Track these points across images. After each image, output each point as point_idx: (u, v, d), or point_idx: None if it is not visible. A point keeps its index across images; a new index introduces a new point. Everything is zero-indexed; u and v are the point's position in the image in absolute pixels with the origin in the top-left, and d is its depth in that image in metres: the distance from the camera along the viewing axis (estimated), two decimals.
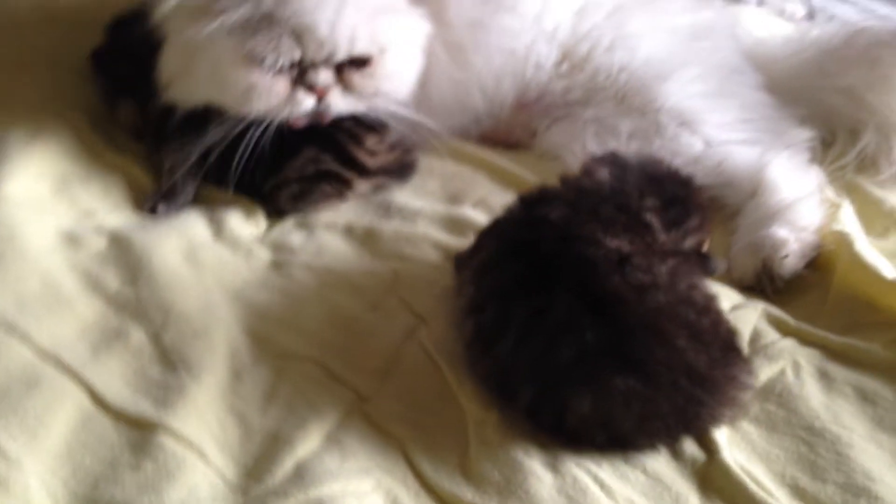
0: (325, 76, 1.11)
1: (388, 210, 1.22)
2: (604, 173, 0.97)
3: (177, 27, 1.12)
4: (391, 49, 1.16)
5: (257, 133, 1.10)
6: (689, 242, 0.94)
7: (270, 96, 1.10)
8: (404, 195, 1.26)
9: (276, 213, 1.17)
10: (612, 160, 0.99)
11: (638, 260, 0.88)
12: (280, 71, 1.09)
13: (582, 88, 1.30)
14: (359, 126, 1.19)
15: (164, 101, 1.16)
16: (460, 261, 1.09)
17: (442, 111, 1.33)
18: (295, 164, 1.16)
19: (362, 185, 1.21)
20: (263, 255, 1.11)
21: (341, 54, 1.11)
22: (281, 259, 1.10)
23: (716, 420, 0.86)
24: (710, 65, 1.29)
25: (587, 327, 0.84)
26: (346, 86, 1.14)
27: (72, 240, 1.03)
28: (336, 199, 1.19)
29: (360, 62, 1.13)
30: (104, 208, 1.12)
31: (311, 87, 1.11)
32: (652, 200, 0.94)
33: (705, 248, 0.99)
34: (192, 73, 1.13)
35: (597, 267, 0.87)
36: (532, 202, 0.97)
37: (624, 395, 0.83)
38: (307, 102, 1.12)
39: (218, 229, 1.13)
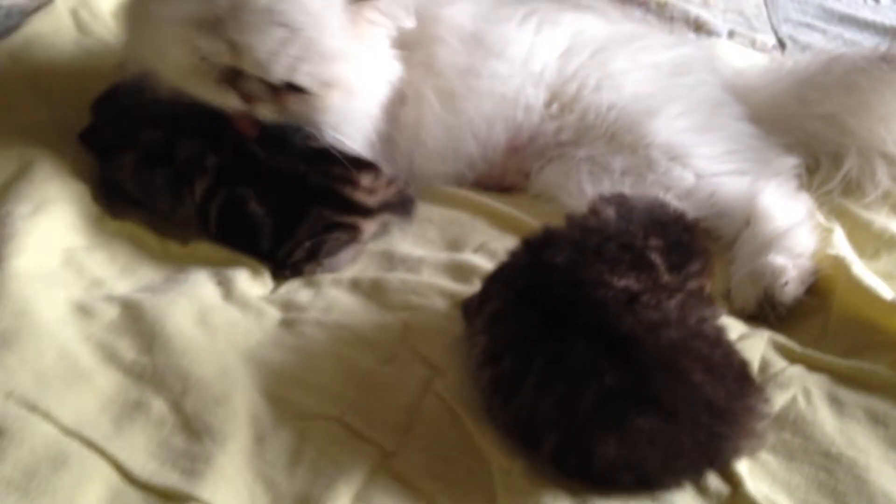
0: (257, 88, 1.13)
1: (391, 261, 1.24)
2: (610, 212, 0.99)
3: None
4: (338, 88, 1.16)
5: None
6: (690, 286, 0.96)
7: (201, 84, 1.13)
8: (406, 245, 1.28)
9: (295, 275, 1.19)
10: (619, 201, 1.02)
11: (647, 298, 0.90)
12: (214, 67, 1.12)
13: (573, 128, 1.33)
14: (350, 168, 1.21)
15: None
16: (469, 308, 1.11)
17: (436, 157, 1.35)
18: (304, 227, 1.18)
19: (370, 226, 1.23)
20: (273, 314, 1.11)
21: (276, 81, 1.12)
22: (291, 317, 1.11)
23: (737, 452, 0.88)
24: (694, 99, 1.33)
25: (606, 370, 0.85)
26: (277, 103, 1.15)
27: (83, 311, 1.03)
28: (350, 246, 1.20)
29: (298, 89, 1.14)
30: (112, 276, 1.12)
31: (242, 92, 1.14)
32: (656, 241, 0.97)
33: (707, 291, 1.01)
34: (140, 38, 1.18)
35: (607, 309, 0.89)
36: (537, 246, 0.99)
37: (648, 435, 0.84)
38: (233, 101, 1.14)
39: (226, 291, 1.13)
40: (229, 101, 1.14)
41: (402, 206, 1.27)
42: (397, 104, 1.30)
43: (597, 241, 0.96)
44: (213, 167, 1.19)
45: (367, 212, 1.22)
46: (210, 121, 1.18)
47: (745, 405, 0.88)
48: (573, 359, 0.87)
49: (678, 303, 0.91)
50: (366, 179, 1.22)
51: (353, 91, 1.19)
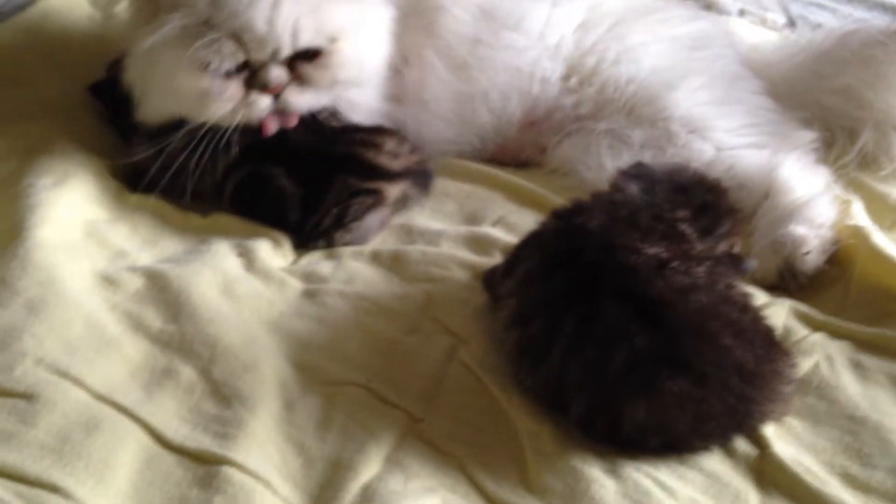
0: (276, 73, 1.11)
1: (410, 234, 1.24)
2: (633, 188, 0.99)
3: (133, 43, 1.13)
4: (344, 37, 1.14)
5: (223, 137, 1.11)
6: (721, 247, 0.97)
7: (224, 100, 1.10)
8: (424, 218, 1.28)
9: (329, 245, 1.19)
10: (640, 173, 1.02)
11: (676, 264, 0.91)
12: (229, 74, 1.10)
13: (591, 102, 1.33)
14: (373, 133, 1.22)
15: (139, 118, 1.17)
16: (490, 279, 1.11)
17: (444, 123, 1.35)
18: (330, 196, 1.19)
19: (393, 190, 1.23)
20: (296, 285, 1.12)
21: (286, 50, 1.10)
22: (313, 288, 1.11)
23: (765, 416, 0.89)
24: (713, 73, 1.33)
25: (636, 333, 0.86)
26: (301, 80, 1.13)
27: (108, 281, 1.04)
28: (376, 210, 1.21)
29: (311, 54, 1.12)
30: (134, 248, 1.13)
31: (264, 87, 1.11)
32: (683, 212, 0.97)
33: (736, 249, 1.01)
34: (150, 87, 1.15)
35: (638, 273, 0.89)
36: (569, 214, 0.99)
37: (678, 399, 0.84)
38: (263, 103, 1.12)
39: (249, 262, 1.13)
40: (261, 104, 1.12)
41: (421, 177, 1.27)
42: (400, 64, 1.30)
43: (629, 212, 0.97)
44: (237, 144, 1.18)
45: (390, 176, 1.22)
46: None
47: (773, 369, 0.89)
48: (603, 322, 0.87)
49: (707, 269, 0.91)
50: (389, 143, 1.23)
51: (359, 37, 1.16)
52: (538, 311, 0.92)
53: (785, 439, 0.90)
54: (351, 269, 1.16)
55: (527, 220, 1.27)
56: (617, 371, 0.86)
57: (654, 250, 0.92)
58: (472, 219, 1.29)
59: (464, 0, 1.33)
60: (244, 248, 1.16)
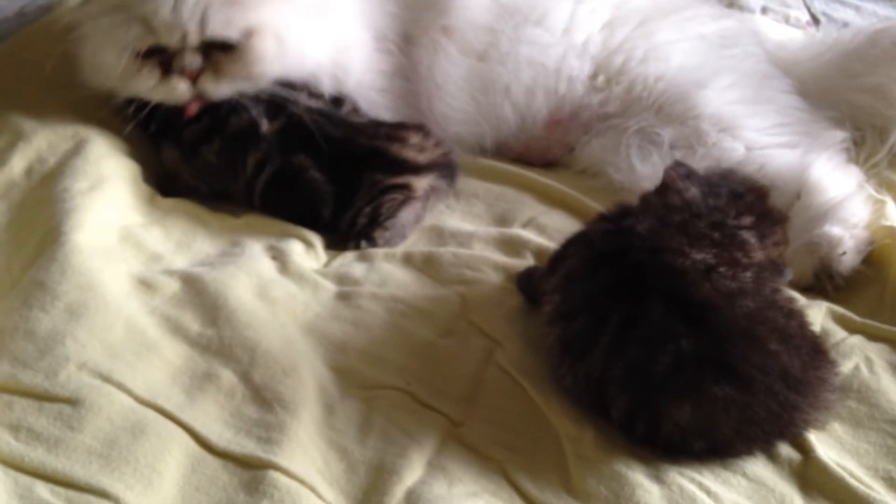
0: (190, 60, 1.15)
1: (441, 236, 1.24)
2: (694, 192, 0.98)
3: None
4: (261, 33, 1.16)
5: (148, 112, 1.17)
6: (773, 253, 0.97)
7: (142, 79, 1.15)
8: (454, 220, 1.28)
9: (371, 245, 1.20)
10: (694, 175, 1.01)
11: (724, 269, 0.90)
12: (145, 56, 1.14)
13: (619, 100, 1.33)
14: (397, 128, 1.24)
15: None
16: (526, 278, 1.11)
17: (458, 107, 1.35)
18: (361, 194, 1.20)
19: (422, 183, 1.23)
20: (329, 287, 1.12)
21: (193, 38, 1.14)
22: (346, 291, 1.11)
23: (809, 424, 0.88)
24: (742, 71, 1.33)
25: (682, 335, 0.85)
26: (216, 70, 1.16)
27: (145, 285, 1.04)
28: (408, 205, 1.21)
29: (226, 46, 1.15)
30: (168, 251, 1.13)
31: (181, 72, 1.15)
32: (747, 218, 0.96)
33: (783, 257, 1.01)
34: (85, 62, 1.21)
35: (686, 275, 0.89)
36: (617, 216, 0.99)
37: (723, 403, 0.84)
38: (181, 87, 1.16)
39: (282, 265, 1.13)
40: (179, 88, 1.16)
41: (447, 168, 1.28)
42: (400, 43, 1.31)
43: (683, 218, 0.96)
44: (269, 135, 1.20)
45: (417, 169, 1.23)
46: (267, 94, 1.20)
47: (818, 376, 0.88)
48: (649, 322, 0.87)
49: (753, 275, 0.91)
50: (414, 137, 1.24)
51: (284, 35, 1.18)
52: (582, 308, 0.91)
53: (827, 444, 0.90)
54: (384, 271, 1.16)
55: (557, 222, 1.27)
56: (661, 372, 0.85)
57: (700, 256, 0.91)
58: (502, 220, 1.28)
59: None
60: (277, 251, 1.16)
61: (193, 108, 1.19)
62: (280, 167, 1.20)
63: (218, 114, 1.22)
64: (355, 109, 1.29)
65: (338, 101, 1.28)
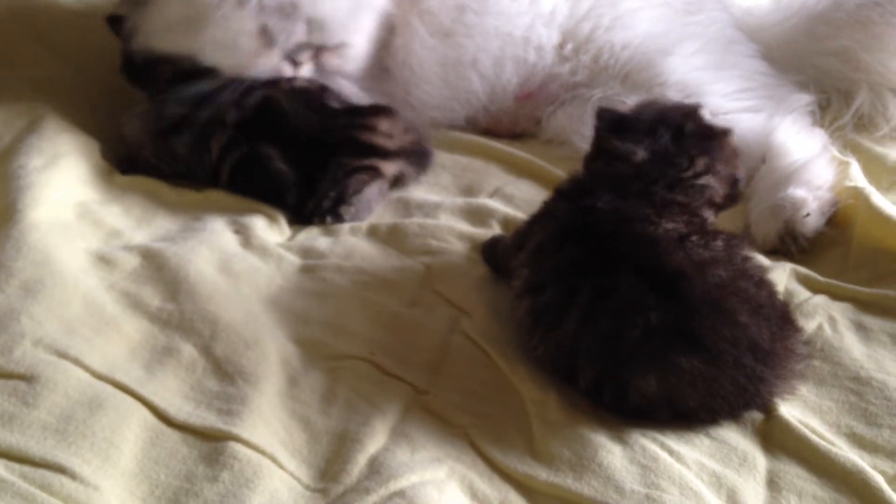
0: (307, 54, 1.27)
1: (407, 207, 1.23)
2: (641, 154, 0.96)
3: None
4: (359, 35, 1.29)
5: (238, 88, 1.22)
6: (733, 169, 0.98)
7: (265, 66, 1.24)
8: (420, 191, 1.27)
9: (336, 221, 1.20)
10: (628, 127, 0.98)
11: (695, 237, 0.89)
12: (280, 48, 1.24)
13: (587, 69, 1.32)
14: (367, 115, 1.23)
15: (140, 44, 1.24)
16: (490, 248, 1.10)
17: (431, 90, 1.35)
18: (327, 178, 1.19)
19: (389, 167, 1.23)
20: (293, 260, 1.11)
21: (332, 42, 1.26)
22: (311, 264, 1.10)
23: (775, 395, 0.88)
24: (708, 37, 1.33)
25: (652, 308, 0.85)
26: (317, 62, 1.28)
27: (104, 261, 1.02)
28: (374, 183, 1.20)
29: (335, 47, 1.28)
30: (128, 227, 1.12)
31: (293, 62, 1.26)
32: (702, 160, 0.96)
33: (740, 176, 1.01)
34: (200, 32, 1.22)
35: (658, 244, 0.88)
36: (575, 194, 0.97)
37: (689, 376, 0.84)
38: (287, 71, 1.27)
39: (245, 239, 1.12)
40: (284, 72, 1.25)
41: (418, 156, 1.26)
42: (386, 33, 1.33)
43: (640, 187, 0.95)
44: (232, 123, 1.20)
45: (385, 154, 1.22)
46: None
47: (786, 346, 0.88)
48: (619, 294, 0.86)
49: (725, 241, 0.90)
50: (384, 124, 1.23)
51: (367, 34, 1.29)
52: (551, 280, 0.91)
53: (790, 402, 0.90)
54: (348, 243, 1.15)
55: (524, 191, 1.27)
56: (630, 344, 0.85)
57: (672, 224, 0.90)
58: (469, 190, 1.28)
59: None
60: (240, 225, 1.15)
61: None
62: (246, 154, 1.20)
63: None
64: (335, 95, 1.28)
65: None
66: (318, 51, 1.27)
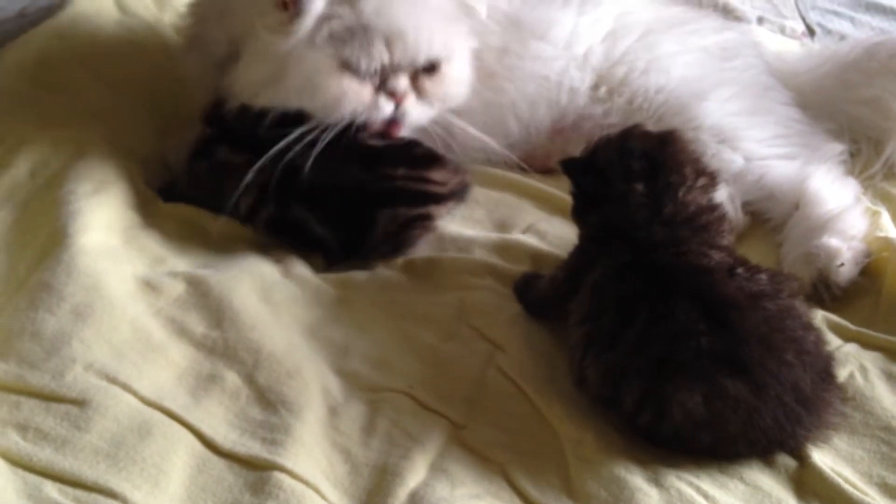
0: (403, 82, 1.20)
1: (441, 242, 1.24)
2: (639, 188, 0.97)
3: (258, 40, 1.17)
4: (454, 55, 1.24)
5: (333, 133, 1.16)
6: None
7: (357, 102, 1.17)
8: (455, 225, 1.28)
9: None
10: (624, 170, 0.98)
11: (741, 270, 0.92)
12: (367, 78, 1.17)
13: (621, 111, 1.34)
14: (419, 166, 1.20)
15: (242, 105, 1.20)
16: (523, 285, 1.12)
17: (479, 142, 1.36)
18: (377, 233, 1.16)
19: (441, 211, 1.23)
20: (330, 291, 1.13)
21: (422, 58, 1.19)
22: (347, 295, 1.12)
23: (808, 441, 0.89)
24: (743, 83, 1.34)
25: (703, 333, 0.87)
26: (419, 92, 1.22)
27: (150, 286, 1.05)
28: (429, 233, 1.21)
29: (430, 68, 1.21)
30: (171, 254, 1.14)
31: (391, 94, 1.19)
32: (702, 179, 0.98)
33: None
34: (282, 82, 1.17)
35: (713, 274, 0.91)
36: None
37: (734, 401, 0.85)
38: (387, 108, 1.20)
39: (285, 269, 1.14)
40: (385, 109, 1.19)
41: (463, 192, 1.27)
42: None
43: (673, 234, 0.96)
44: (256, 185, 1.16)
45: (438, 199, 1.22)
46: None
47: (825, 398, 0.89)
48: (674, 319, 0.88)
49: (769, 276, 0.92)
50: (437, 175, 1.21)
51: (461, 59, 1.25)
52: (611, 307, 0.93)
53: (823, 450, 0.91)
54: (384, 276, 1.17)
55: (556, 228, 1.28)
56: (679, 362, 0.87)
57: (720, 255, 0.93)
58: (502, 226, 1.29)
59: (493, 10, 1.35)
60: (278, 255, 1.17)
61: (396, 131, 1.22)
62: (277, 215, 1.17)
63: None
64: (368, 134, 1.21)
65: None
66: (414, 77, 1.21)
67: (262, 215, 1.18)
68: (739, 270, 0.92)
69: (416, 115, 1.22)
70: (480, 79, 1.34)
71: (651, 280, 0.92)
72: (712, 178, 1.00)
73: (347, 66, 1.15)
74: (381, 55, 1.16)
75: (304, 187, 1.15)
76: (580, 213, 1.05)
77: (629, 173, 0.98)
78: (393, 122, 1.20)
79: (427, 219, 1.21)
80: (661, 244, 0.94)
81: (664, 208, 0.96)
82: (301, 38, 1.14)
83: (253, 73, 1.18)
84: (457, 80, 1.25)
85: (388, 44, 1.16)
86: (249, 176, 1.14)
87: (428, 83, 1.21)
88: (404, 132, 1.23)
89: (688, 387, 0.86)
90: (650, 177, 0.97)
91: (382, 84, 1.19)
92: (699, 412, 0.86)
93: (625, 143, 1.01)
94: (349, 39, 1.15)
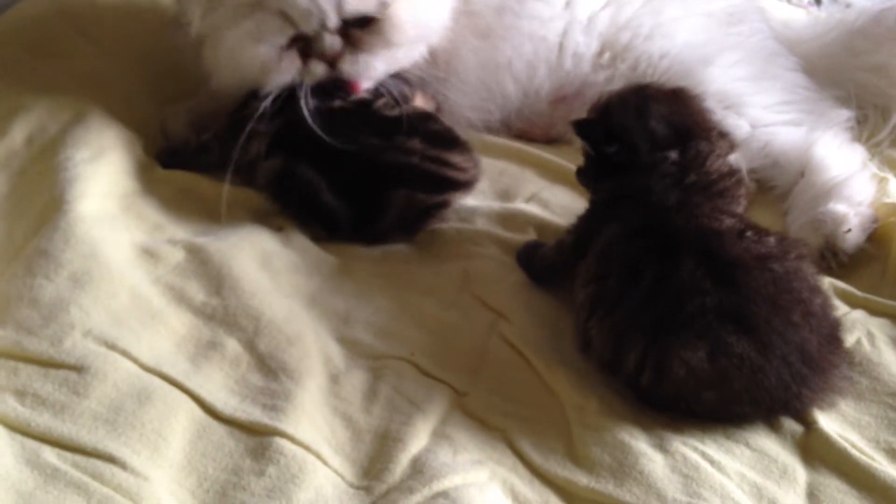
0: (331, 42, 1.13)
1: None
2: (672, 154, 0.97)
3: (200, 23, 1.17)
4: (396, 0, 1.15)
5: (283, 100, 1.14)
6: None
7: (284, 70, 1.14)
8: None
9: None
10: (646, 133, 0.97)
11: (750, 233, 0.91)
12: (285, 47, 1.13)
13: (624, 78, 1.32)
14: (437, 144, 1.16)
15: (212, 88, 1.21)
16: (526, 253, 1.11)
17: (470, 92, 1.33)
18: (390, 213, 1.13)
19: (459, 198, 1.19)
20: (331, 260, 1.12)
21: (332, 20, 1.12)
22: (348, 265, 1.11)
23: (814, 403, 0.88)
24: (749, 49, 1.32)
25: (709, 291, 0.86)
26: (355, 47, 1.15)
27: (149, 254, 1.03)
28: (442, 220, 1.18)
29: (364, 21, 1.14)
30: (170, 221, 1.12)
31: (321, 56, 1.14)
32: (722, 144, 0.98)
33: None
34: (220, 62, 1.18)
35: (722, 236, 0.89)
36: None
37: (738, 359, 0.84)
38: (318, 69, 1.15)
39: (286, 237, 1.13)
40: (316, 71, 1.15)
41: (476, 183, 1.21)
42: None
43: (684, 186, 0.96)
44: (266, 132, 1.16)
45: (458, 186, 1.17)
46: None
47: (832, 360, 0.88)
48: (679, 277, 0.87)
49: (778, 239, 0.91)
50: (457, 158, 1.17)
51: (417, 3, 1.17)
52: (618, 268, 0.92)
53: (830, 416, 0.90)
54: (385, 246, 1.15)
55: (560, 197, 1.27)
56: (683, 318, 0.86)
57: (731, 220, 0.92)
58: (505, 195, 1.28)
59: None
60: (279, 223, 1.16)
61: (354, 87, 1.18)
62: (285, 171, 1.14)
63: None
64: (390, 103, 1.19)
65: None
66: (347, 33, 1.14)
67: (270, 166, 1.15)
68: (748, 234, 0.91)
69: (360, 69, 1.16)
70: (476, 36, 1.32)
71: (659, 241, 0.91)
72: (731, 140, 0.98)
73: (259, 40, 1.12)
74: (283, 29, 1.12)
75: (315, 146, 1.12)
76: (593, 178, 1.03)
77: (657, 141, 0.96)
78: (341, 80, 1.16)
79: (444, 207, 1.17)
80: (674, 208, 0.93)
81: (688, 177, 0.95)
82: (218, 19, 1.14)
83: (207, 55, 1.18)
84: (409, 23, 1.16)
85: (286, 17, 1.11)
86: (251, 124, 1.14)
87: (364, 36, 1.15)
88: (366, 84, 1.19)
89: (692, 343, 0.85)
90: (680, 145, 0.96)
91: (309, 47, 1.14)
92: (703, 368, 0.84)
93: (643, 106, 0.98)
94: (250, 15, 1.11)
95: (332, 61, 1.15)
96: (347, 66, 1.15)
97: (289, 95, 1.16)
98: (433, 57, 1.29)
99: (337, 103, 1.17)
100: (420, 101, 1.22)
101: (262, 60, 1.13)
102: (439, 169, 1.15)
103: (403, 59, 1.21)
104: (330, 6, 1.11)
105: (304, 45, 1.14)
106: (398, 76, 1.22)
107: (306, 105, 1.14)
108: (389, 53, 1.17)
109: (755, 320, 0.85)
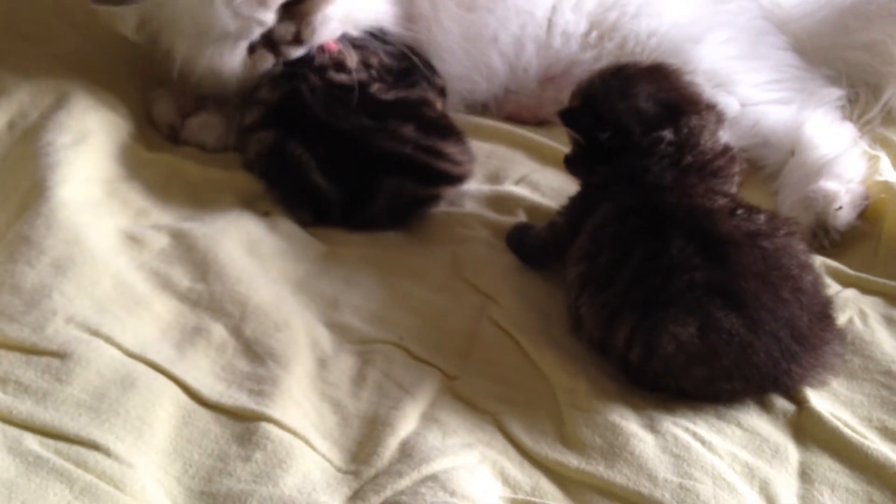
0: (283, 31, 1.15)
1: None
2: (667, 134, 0.96)
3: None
4: None
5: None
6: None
7: (262, 66, 1.17)
8: None
9: None
10: (635, 112, 0.96)
11: (741, 211, 0.90)
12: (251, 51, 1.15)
13: (611, 57, 1.30)
14: (431, 133, 1.14)
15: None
16: (515, 235, 1.10)
17: (452, 60, 1.32)
18: (379, 200, 1.11)
19: (450, 192, 1.17)
20: (317, 245, 1.10)
21: (270, 18, 1.12)
22: (336, 250, 1.10)
23: (804, 381, 0.88)
24: (738, 26, 1.31)
25: (698, 267, 0.85)
26: (299, 29, 1.15)
27: (133, 240, 1.02)
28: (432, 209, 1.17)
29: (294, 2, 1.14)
30: (154, 206, 1.11)
31: (286, 41, 1.16)
32: (710, 120, 0.97)
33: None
34: (203, 76, 1.18)
35: (713, 214, 0.89)
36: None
37: (727, 334, 0.84)
38: (267, 61, 1.17)
39: (272, 222, 1.12)
40: (265, 63, 1.17)
41: (467, 178, 1.20)
42: (408, 6, 1.28)
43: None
44: (261, 101, 1.16)
45: (451, 180, 1.16)
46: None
47: (824, 338, 0.88)
48: (669, 254, 0.86)
49: (767, 216, 0.91)
50: (451, 149, 1.14)
51: None
52: (609, 246, 0.91)
53: (821, 395, 0.90)
54: (372, 230, 1.14)
55: (550, 179, 1.26)
56: (673, 293, 0.85)
57: (723, 200, 0.91)
58: (495, 178, 1.27)
59: None
60: (266, 207, 1.14)
61: (332, 45, 1.18)
62: (275, 148, 1.13)
63: None
64: (381, 87, 1.18)
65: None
66: (291, 12, 1.13)
67: (261, 138, 1.14)
68: (739, 212, 0.90)
69: (319, 31, 1.15)
70: (458, 5, 1.30)
71: (650, 220, 0.90)
72: (719, 112, 0.98)
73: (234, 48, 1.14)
74: (246, 34, 1.13)
75: (307, 123, 1.11)
76: (586, 163, 1.02)
77: (648, 121, 0.95)
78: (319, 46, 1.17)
79: (435, 199, 1.15)
80: (668, 187, 0.92)
81: (685, 158, 0.94)
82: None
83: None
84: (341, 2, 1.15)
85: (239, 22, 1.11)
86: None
87: (303, 15, 1.14)
88: (336, 44, 1.19)
89: (681, 318, 0.84)
90: (671, 122, 0.95)
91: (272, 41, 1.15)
92: (692, 344, 0.84)
93: (627, 87, 0.97)
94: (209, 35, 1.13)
95: (277, 51, 1.16)
96: (293, 52, 1.16)
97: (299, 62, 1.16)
98: (411, 19, 1.27)
99: (339, 77, 1.16)
100: (453, 151, 1.17)
101: (212, 61, 1.15)
102: (432, 160, 1.13)
103: (360, 11, 1.20)
104: (261, 13, 1.11)
105: (266, 40, 1.15)
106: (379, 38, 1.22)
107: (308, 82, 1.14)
108: (336, 8, 1.15)
109: (744, 296, 0.84)
